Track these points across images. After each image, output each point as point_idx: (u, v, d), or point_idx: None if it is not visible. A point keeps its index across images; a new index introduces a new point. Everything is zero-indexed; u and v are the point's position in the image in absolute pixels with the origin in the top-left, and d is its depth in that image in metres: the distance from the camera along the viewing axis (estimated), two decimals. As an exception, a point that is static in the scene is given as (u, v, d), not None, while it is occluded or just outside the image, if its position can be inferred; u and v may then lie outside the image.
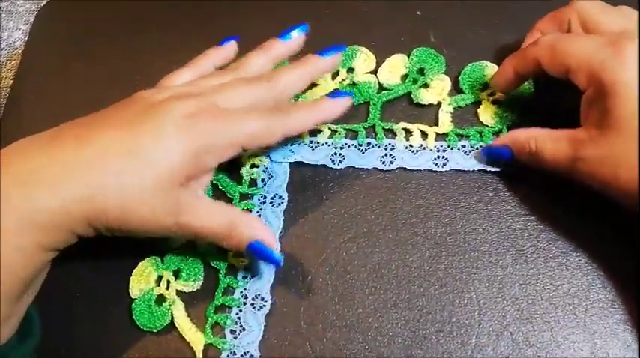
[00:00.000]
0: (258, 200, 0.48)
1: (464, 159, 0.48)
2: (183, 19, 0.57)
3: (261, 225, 0.43)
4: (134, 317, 0.45)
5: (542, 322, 0.43)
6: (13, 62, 0.59)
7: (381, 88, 0.51)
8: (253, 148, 0.43)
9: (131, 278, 0.46)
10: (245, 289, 0.45)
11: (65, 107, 0.53)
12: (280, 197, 0.48)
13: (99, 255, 0.47)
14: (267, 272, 0.46)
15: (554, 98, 0.48)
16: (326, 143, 0.49)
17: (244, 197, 0.48)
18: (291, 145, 0.49)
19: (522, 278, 0.44)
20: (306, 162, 0.49)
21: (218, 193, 0.48)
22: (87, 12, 0.58)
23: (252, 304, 0.45)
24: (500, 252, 0.45)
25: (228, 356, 0.44)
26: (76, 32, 0.57)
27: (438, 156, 0.48)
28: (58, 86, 0.55)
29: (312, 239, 0.47)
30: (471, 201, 0.47)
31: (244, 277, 0.46)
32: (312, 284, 0.45)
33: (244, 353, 0.44)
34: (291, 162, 0.49)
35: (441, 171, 0.48)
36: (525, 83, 0.49)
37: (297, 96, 0.50)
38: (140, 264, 0.46)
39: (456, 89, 0.51)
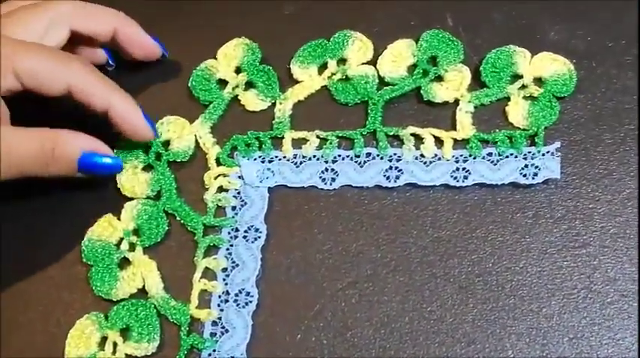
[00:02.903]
0: (229, 233, 0.45)
1: (490, 171, 0.44)
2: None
3: (85, 135, 0.43)
4: (72, 392, 0.42)
5: (599, 387, 0.40)
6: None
7: (383, 83, 0.47)
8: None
9: (67, 341, 0.43)
10: (215, 350, 0.42)
11: None
12: (257, 230, 0.45)
13: (26, 311, 0.44)
14: (242, 328, 0.42)
15: (602, 91, 0.45)
16: (314, 156, 0.46)
17: (210, 230, 0.45)
18: (270, 163, 0.46)
19: (572, 331, 0.41)
20: (289, 185, 0.46)
21: (175, 225, 0.45)
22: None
23: (225, 369, 0.42)
24: (544, 298, 0.42)
25: None
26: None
27: (457, 169, 0.44)
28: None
29: (300, 285, 0.44)
30: (505, 232, 0.43)
31: (212, 334, 0.42)
32: (301, 345, 0.42)
33: None
34: (270, 187, 0.46)
35: (465, 194, 0.44)
36: (566, 72, 0.45)
37: (279, 96, 0.48)
38: (78, 322, 0.43)
39: (478, 82, 0.47)
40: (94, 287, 0.43)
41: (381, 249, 0.44)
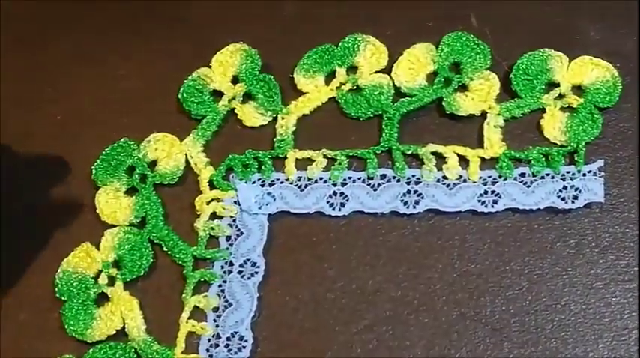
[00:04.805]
0: (222, 267, 0.43)
1: (524, 195, 0.42)
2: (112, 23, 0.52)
3: None
4: None
5: None
6: None
7: (399, 93, 0.46)
8: None
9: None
10: (202, 402, 0.42)
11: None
12: (254, 264, 0.43)
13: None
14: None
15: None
16: (321, 179, 0.45)
17: (201, 263, 0.44)
18: (270, 186, 0.45)
19: (627, 378, 0.40)
20: (292, 211, 0.44)
21: (161, 257, 0.44)
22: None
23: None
24: (591, 339, 0.40)
25: None
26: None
27: (486, 192, 0.43)
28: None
29: (307, 328, 0.42)
30: (544, 264, 0.42)
31: (202, 378, 0.43)
32: (311, 398, 0.41)
33: None
34: (270, 214, 0.44)
35: (496, 221, 0.43)
36: (609, 78, 0.44)
37: (281, 109, 0.46)
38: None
39: (508, 92, 0.45)
40: (67, 326, 0.42)
41: (401, 286, 0.43)
